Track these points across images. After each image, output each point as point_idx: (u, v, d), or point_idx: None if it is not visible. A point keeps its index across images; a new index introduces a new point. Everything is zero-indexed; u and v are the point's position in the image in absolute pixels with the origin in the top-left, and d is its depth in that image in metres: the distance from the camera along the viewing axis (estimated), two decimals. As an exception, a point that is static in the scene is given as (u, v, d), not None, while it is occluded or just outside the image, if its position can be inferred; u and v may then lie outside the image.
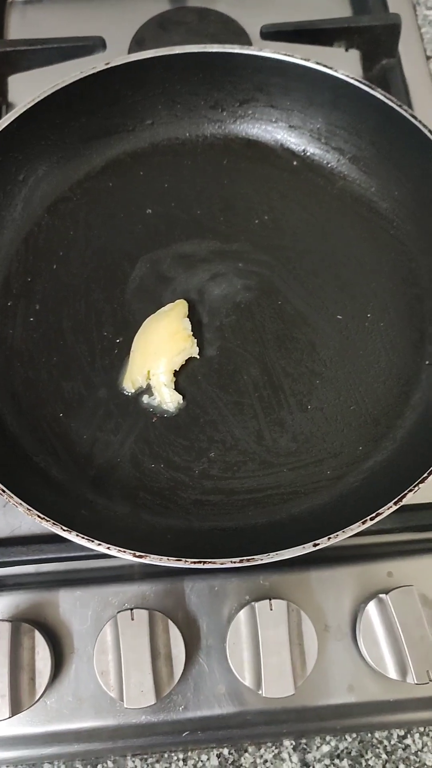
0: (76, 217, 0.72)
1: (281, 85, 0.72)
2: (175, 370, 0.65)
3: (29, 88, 0.79)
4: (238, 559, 0.51)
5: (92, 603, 0.61)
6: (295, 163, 0.75)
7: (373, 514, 0.53)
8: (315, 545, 0.52)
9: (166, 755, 0.61)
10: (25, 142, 0.69)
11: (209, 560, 0.51)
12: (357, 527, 0.52)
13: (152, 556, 0.51)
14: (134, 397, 0.65)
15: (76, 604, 0.61)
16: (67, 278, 0.70)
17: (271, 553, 0.51)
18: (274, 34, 0.82)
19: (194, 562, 0.51)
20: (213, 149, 0.76)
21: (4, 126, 0.65)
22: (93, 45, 0.81)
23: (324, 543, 0.52)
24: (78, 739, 0.59)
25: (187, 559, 0.51)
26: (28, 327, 0.67)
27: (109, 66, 0.69)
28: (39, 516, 0.52)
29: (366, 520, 0.53)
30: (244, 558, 0.51)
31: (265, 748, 0.61)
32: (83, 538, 0.51)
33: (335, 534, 0.52)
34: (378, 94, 0.68)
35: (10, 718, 0.55)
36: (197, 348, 0.66)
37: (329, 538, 0.52)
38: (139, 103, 0.74)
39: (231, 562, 0.51)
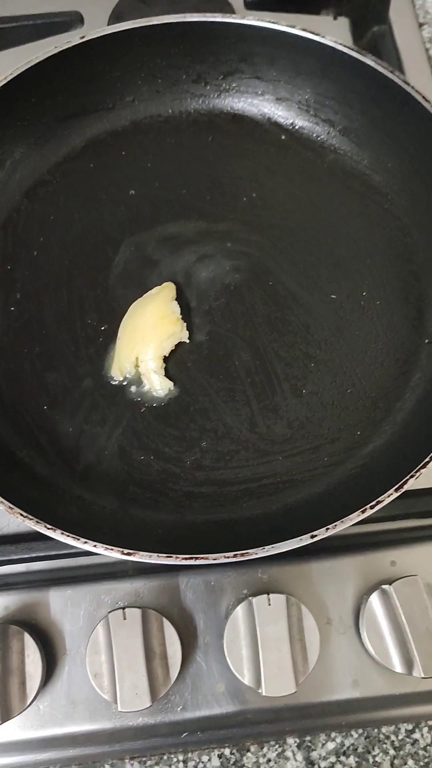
0: (56, 200, 0.69)
1: (266, 55, 0.69)
2: (165, 356, 0.62)
3: (4, 68, 0.76)
4: (231, 554, 0.49)
5: (84, 602, 0.59)
6: (283, 137, 0.72)
7: (374, 502, 0.51)
8: (312, 537, 0.49)
9: (165, 757, 0.59)
10: (-1, 123, 0.66)
11: (201, 556, 0.49)
12: (356, 516, 0.50)
13: (141, 553, 0.49)
14: (121, 387, 0.62)
15: (67, 604, 0.59)
16: (48, 265, 0.67)
17: (267, 547, 0.49)
18: (258, 3, 0.79)
19: (185, 558, 0.49)
20: (197, 125, 0.73)
21: (-24, 107, 0.62)
22: (70, 21, 0.79)
23: (322, 534, 0.49)
24: (73, 744, 0.57)
25: (178, 556, 0.49)
26: (8, 317, 0.65)
27: (84, 40, 0.66)
28: (21, 514, 0.50)
29: (366, 509, 0.50)
30: (239, 552, 0.49)
31: (268, 746, 0.59)
32: (68, 536, 0.49)
33: (333, 524, 0.49)
34: (369, 60, 0.64)
35: (0, 725, 0.53)
36: (187, 332, 0.63)
37: (327, 529, 0.49)
38: (118, 79, 0.71)
39: (224, 557, 0.49)
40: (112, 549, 0.49)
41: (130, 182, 0.70)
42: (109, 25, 0.82)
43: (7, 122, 0.66)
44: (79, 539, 0.49)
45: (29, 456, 0.59)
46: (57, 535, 0.49)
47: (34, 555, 0.59)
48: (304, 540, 0.49)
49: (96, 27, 0.82)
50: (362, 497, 0.52)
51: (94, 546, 0.49)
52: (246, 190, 0.70)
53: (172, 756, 0.59)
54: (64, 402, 0.62)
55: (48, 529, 0.49)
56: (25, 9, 0.81)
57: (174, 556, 0.48)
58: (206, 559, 0.49)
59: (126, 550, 0.49)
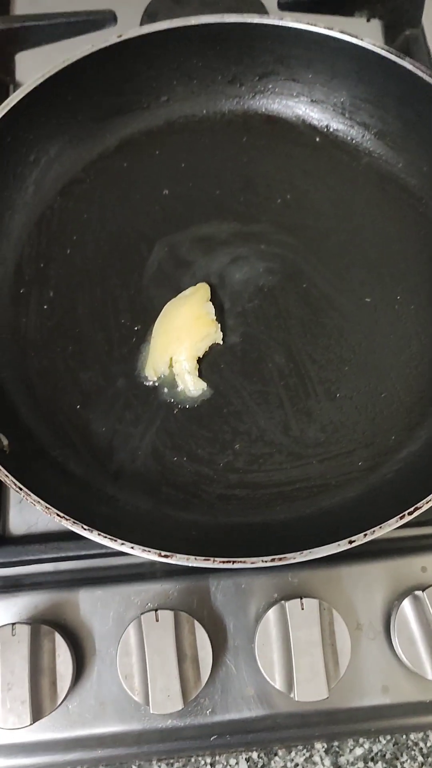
0: (90, 199, 0.69)
1: (303, 57, 0.69)
2: (199, 357, 0.62)
3: (37, 66, 0.76)
4: (270, 558, 0.48)
5: (113, 603, 0.59)
6: (317, 139, 0.72)
7: (411, 509, 0.50)
8: (351, 542, 0.49)
9: (192, 759, 0.59)
10: (35, 121, 0.66)
11: (239, 560, 0.48)
12: (395, 522, 0.50)
13: (179, 555, 0.48)
14: (154, 388, 0.62)
15: (96, 604, 0.59)
16: (81, 263, 0.67)
17: (305, 551, 0.49)
18: (292, 4, 0.79)
19: (223, 562, 0.48)
20: (231, 126, 0.73)
21: (13, 104, 0.62)
22: (103, 19, 0.78)
23: (360, 540, 0.49)
24: (102, 745, 0.57)
25: (216, 559, 0.48)
26: (42, 315, 0.65)
27: (121, 39, 0.66)
28: (58, 515, 0.50)
29: (404, 515, 0.50)
30: (277, 557, 0.48)
31: (296, 751, 0.59)
32: (105, 537, 0.49)
33: (372, 530, 0.49)
34: (406, 63, 0.64)
35: (31, 725, 0.52)
36: (221, 333, 0.63)
37: (365, 535, 0.49)
38: (153, 79, 0.71)
39: (262, 561, 0.48)
40: (149, 551, 0.49)
41: (164, 182, 0.70)
42: (141, 24, 0.82)
43: (43, 120, 0.66)
44: (116, 540, 0.49)
45: (63, 455, 0.59)
46: (94, 536, 0.49)
47: (62, 554, 0.59)
48: (342, 545, 0.49)
49: (129, 26, 0.82)
50: (398, 503, 0.52)
51: (131, 547, 0.49)
52: (280, 192, 0.70)
53: (200, 758, 0.59)
54: (97, 401, 0.62)
55: (85, 530, 0.49)
56: (59, 7, 0.80)
57: (212, 559, 0.48)
58: (244, 563, 0.48)
59: (164, 552, 0.48)
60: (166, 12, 0.82)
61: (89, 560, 0.61)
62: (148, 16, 0.82)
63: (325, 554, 0.49)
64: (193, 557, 0.48)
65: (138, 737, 0.57)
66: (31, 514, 0.64)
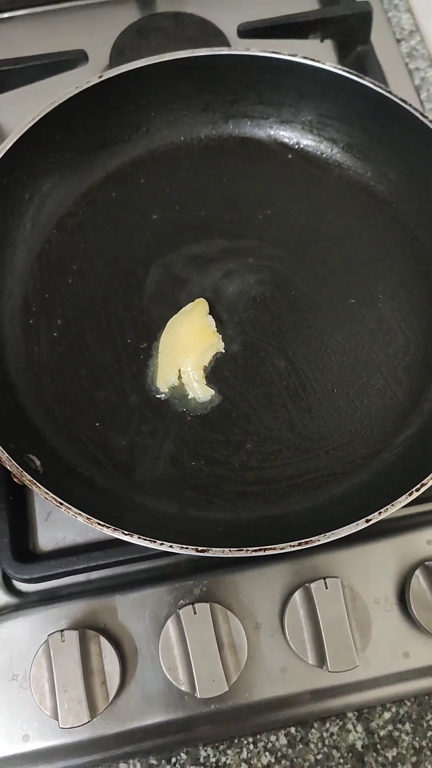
0: (85, 230, 0.73)
1: (270, 82, 0.74)
2: (204, 366, 0.66)
3: (15, 108, 0.81)
4: (296, 543, 0.53)
5: (148, 603, 0.62)
6: (290, 156, 0.77)
7: (418, 485, 0.55)
8: (367, 521, 0.54)
9: (236, 740, 0.63)
10: (27, 161, 0.70)
11: (269, 547, 0.53)
12: (405, 499, 0.55)
13: (214, 549, 0.52)
14: (166, 400, 0.67)
15: (132, 607, 0.62)
16: (83, 291, 0.71)
17: (328, 533, 0.53)
18: (251, 31, 0.84)
19: (255, 551, 0.53)
20: (209, 150, 0.78)
21: (7, 148, 0.66)
22: (76, 59, 0.82)
23: (375, 518, 0.54)
24: (150, 736, 0.61)
25: (249, 549, 0.53)
26: (52, 342, 0.68)
27: (102, 79, 0.70)
28: (99, 523, 0.53)
29: (412, 492, 0.55)
30: (303, 541, 0.53)
31: (330, 722, 0.63)
32: (145, 539, 0.53)
33: (385, 508, 0.54)
34: (366, 82, 0.70)
35: (90, 722, 0.56)
36: (222, 343, 0.68)
37: (380, 513, 0.54)
38: (133, 113, 0.75)
39: (290, 546, 0.53)
40: (186, 548, 0.53)
41: (152, 208, 0.75)
42: (111, 60, 0.87)
43: (35, 159, 0.70)
44: (155, 541, 0.53)
45: (89, 471, 0.63)
46: (134, 539, 0.53)
47: (94, 564, 0.62)
48: (360, 524, 0.54)
49: (98, 62, 0.87)
50: (402, 483, 0.57)
51: (170, 546, 0.53)
52: (261, 208, 0.75)
53: (243, 739, 0.63)
54: (114, 418, 0.66)
55: (125, 534, 0.53)
56: (25, 50, 0.84)
57: (245, 549, 0.53)
58: (274, 549, 0.53)
59: (201, 548, 0.53)
60: (133, 47, 0.87)
61: (119, 567, 0.65)
62: (117, 52, 0.86)
63: (346, 534, 0.54)
64: (227, 549, 0.52)
65: (183, 725, 0.61)
66: (57, 530, 0.68)
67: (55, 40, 0.90)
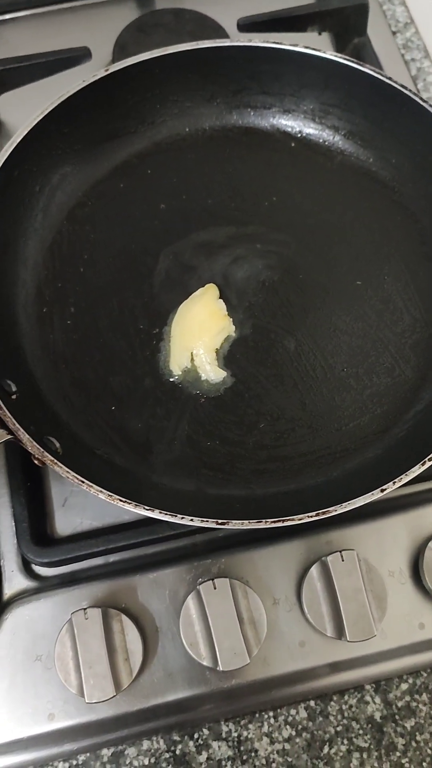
0: (94, 220, 0.75)
1: (272, 72, 0.76)
2: (216, 349, 0.68)
3: (19, 106, 0.82)
4: (314, 513, 0.54)
5: (167, 582, 0.64)
6: (293, 144, 0.79)
7: (430, 455, 0.57)
8: (382, 490, 0.55)
9: (257, 715, 0.64)
10: (37, 153, 0.71)
11: (288, 518, 0.54)
12: (417, 469, 0.56)
13: (234, 521, 0.54)
14: (179, 383, 0.68)
15: (152, 586, 0.64)
16: (95, 280, 0.72)
17: (344, 504, 0.54)
18: (250, 25, 0.85)
19: (274, 522, 0.54)
20: (213, 141, 0.79)
21: (18, 140, 0.68)
22: (80, 56, 0.83)
23: (390, 487, 0.55)
24: (173, 712, 0.62)
25: (267, 520, 0.54)
26: (66, 330, 0.70)
27: (108, 72, 0.71)
28: (120, 500, 0.54)
29: (425, 462, 0.56)
30: (320, 511, 0.54)
31: (349, 694, 0.64)
32: (166, 513, 0.54)
33: (399, 478, 0.55)
34: (367, 69, 0.71)
35: (115, 696, 0.57)
36: (233, 327, 0.69)
37: (394, 483, 0.55)
38: (138, 105, 0.77)
39: (308, 516, 0.54)
40: (207, 521, 0.54)
41: (159, 198, 0.76)
42: (114, 56, 0.88)
43: (44, 152, 0.72)
44: (176, 515, 0.54)
45: (107, 452, 0.64)
46: (155, 514, 0.54)
47: (112, 546, 0.64)
48: (375, 494, 0.55)
49: (101, 58, 0.88)
50: (414, 455, 0.58)
51: (191, 520, 0.54)
52: (266, 195, 0.77)
53: (263, 713, 0.64)
54: (129, 402, 0.67)
55: (147, 510, 0.54)
56: (28, 49, 0.85)
57: (264, 520, 0.54)
58: (292, 520, 0.54)
59: (220, 521, 0.54)
60: (135, 43, 0.88)
61: (137, 549, 0.66)
62: (120, 48, 0.88)
63: (362, 504, 0.55)
64: (246, 521, 0.54)
65: (205, 700, 0.62)
66: (74, 515, 0.69)
67: (57, 38, 0.91)
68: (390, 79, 0.71)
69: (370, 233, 0.74)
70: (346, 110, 0.77)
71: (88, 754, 0.62)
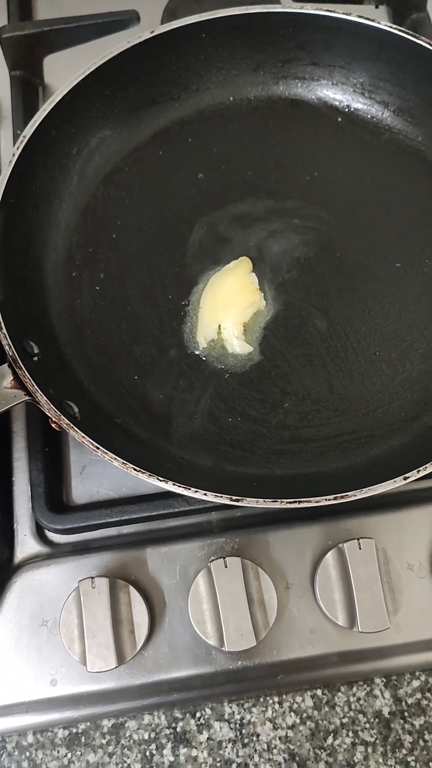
0: (130, 186, 0.73)
1: (323, 42, 0.73)
2: (245, 323, 0.66)
3: (64, 68, 0.80)
4: (332, 497, 0.52)
5: (179, 558, 0.63)
6: (339, 119, 0.76)
7: (459, 447, 0.54)
8: (405, 478, 0.53)
9: (261, 699, 0.62)
10: (76, 114, 0.70)
11: (304, 499, 0.52)
12: (445, 459, 0.54)
13: (248, 499, 0.52)
14: (204, 356, 0.66)
15: (163, 561, 0.63)
16: (127, 246, 0.71)
17: (364, 489, 0.52)
18: (304, -5, 0.82)
19: (290, 502, 0.52)
20: (258, 111, 0.77)
21: (58, 100, 0.66)
22: (128, 19, 0.82)
23: (414, 476, 0.53)
24: (176, 689, 0.61)
25: (283, 500, 0.52)
26: (94, 296, 0.69)
27: (154, 34, 0.70)
28: (135, 468, 0.53)
29: (453, 452, 0.54)
30: (339, 495, 0.52)
31: (357, 686, 0.63)
32: (179, 486, 0.53)
33: (424, 466, 0.53)
34: (423, 42, 0.68)
35: (117, 667, 0.57)
36: (264, 302, 0.67)
37: (419, 471, 0.53)
38: (182, 71, 0.75)
39: (326, 500, 0.52)
40: (221, 496, 0.52)
41: (198, 167, 0.74)
42: (162, 21, 0.86)
43: (84, 114, 0.70)
44: (189, 488, 0.52)
45: (126, 421, 0.63)
46: (169, 486, 0.53)
47: (127, 517, 0.63)
48: (398, 482, 0.53)
49: (151, 24, 0.86)
50: (441, 446, 0.56)
51: (205, 494, 0.52)
52: (308, 170, 0.74)
53: (268, 698, 0.63)
54: (153, 372, 0.66)
55: (160, 480, 0.53)
56: (78, 10, 0.84)
57: (279, 500, 0.52)
58: (309, 502, 0.52)
59: (234, 497, 0.52)
60: (184, 8, 0.86)
61: (151, 523, 0.65)
62: (169, 14, 0.86)
63: (382, 491, 0.53)
64: (261, 500, 0.52)
65: (210, 680, 0.61)
66: (91, 484, 0.68)
67: (107, 1, 0.90)
68: (446, 52, 0.68)
69: (414, 214, 0.72)
70: (397, 85, 0.74)
71: (88, 723, 0.62)
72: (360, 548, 0.59)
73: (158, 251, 0.71)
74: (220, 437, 0.63)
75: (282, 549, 0.63)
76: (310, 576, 0.62)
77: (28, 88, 0.82)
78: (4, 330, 0.57)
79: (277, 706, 0.62)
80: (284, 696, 0.63)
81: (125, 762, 0.60)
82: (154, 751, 0.61)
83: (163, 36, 0.70)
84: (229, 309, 0.65)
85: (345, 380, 0.65)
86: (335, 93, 0.77)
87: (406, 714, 0.62)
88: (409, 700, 0.62)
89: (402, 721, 0.62)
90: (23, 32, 0.80)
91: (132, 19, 0.82)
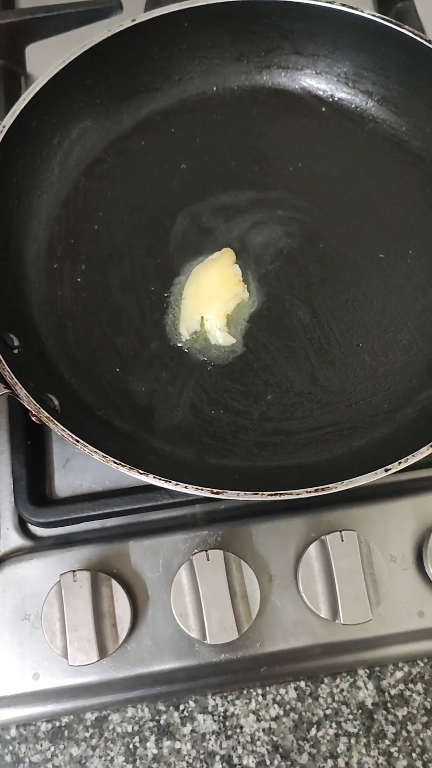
0: (112, 177, 0.73)
1: (306, 31, 0.73)
2: (228, 315, 0.66)
3: (47, 57, 0.79)
4: (313, 489, 0.52)
5: (162, 551, 0.63)
6: (323, 109, 0.76)
7: (440, 438, 0.54)
8: (386, 470, 0.53)
9: (245, 691, 0.62)
10: (57, 104, 0.69)
11: (285, 492, 0.52)
12: (426, 450, 0.54)
13: (229, 492, 0.52)
14: (187, 348, 0.66)
15: (146, 554, 0.63)
16: (109, 238, 0.70)
17: (345, 481, 0.52)
18: (289, -15, 0.82)
19: (270, 495, 0.52)
20: (241, 101, 0.76)
21: (37, 89, 0.66)
22: (110, 8, 0.81)
23: (395, 468, 0.53)
24: (159, 682, 0.61)
25: (264, 492, 0.52)
26: (76, 287, 0.68)
27: (135, 23, 0.69)
28: (115, 462, 0.53)
29: (434, 444, 0.54)
30: (320, 487, 0.52)
31: (341, 678, 0.63)
32: (161, 479, 0.52)
33: (405, 458, 0.53)
34: (406, 31, 0.68)
35: (99, 661, 0.56)
36: (248, 293, 0.67)
37: (399, 462, 0.53)
38: (165, 60, 0.74)
39: (306, 492, 0.52)
40: (201, 489, 0.52)
41: (180, 157, 0.74)
42: (146, 10, 0.85)
43: (64, 104, 0.70)
44: (170, 481, 0.52)
45: (107, 414, 0.63)
46: (150, 479, 0.52)
47: (110, 510, 0.62)
48: (379, 473, 0.53)
49: (134, 13, 0.85)
50: (424, 437, 0.56)
51: (185, 487, 0.52)
52: (291, 161, 0.74)
53: (251, 690, 0.63)
54: (134, 364, 0.65)
55: (141, 474, 0.53)
56: None
57: (260, 493, 0.52)
58: (290, 494, 0.52)
59: (215, 489, 0.52)
60: (168, -3, 0.85)
61: (134, 516, 0.65)
62: (152, 2, 0.85)
63: (363, 482, 0.53)
64: (242, 492, 0.52)
65: (193, 673, 0.61)
66: (74, 477, 0.68)
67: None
68: (431, 42, 0.68)
69: (398, 205, 0.71)
70: (381, 74, 0.73)
71: (71, 717, 0.61)
72: (342, 540, 0.58)
73: (140, 242, 0.70)
74: (203, 429, 0.63)
75: (265, 541, 0.63)
76: (293, 568, 0.62)
77: (10, 78, 0.81)
78: (-17, 323, 0.56)
79: (260, 698, 0.62)
80: (267, 688, 0.63)
81: (109, 755, 0.60)
82: (138, 744, 0.61)
83: (145, 25, 0.70)
84: (212, 300, 0.64)
85: (328, 372, 0.65)
86: (319, 82, 0.76)
87: (389, 705, 0.62)
88: (392, 691, 0.62)
89: (385, 712, 0.62)
90: (5, 20, 0.80)
91: (115, 8, 0.81)
